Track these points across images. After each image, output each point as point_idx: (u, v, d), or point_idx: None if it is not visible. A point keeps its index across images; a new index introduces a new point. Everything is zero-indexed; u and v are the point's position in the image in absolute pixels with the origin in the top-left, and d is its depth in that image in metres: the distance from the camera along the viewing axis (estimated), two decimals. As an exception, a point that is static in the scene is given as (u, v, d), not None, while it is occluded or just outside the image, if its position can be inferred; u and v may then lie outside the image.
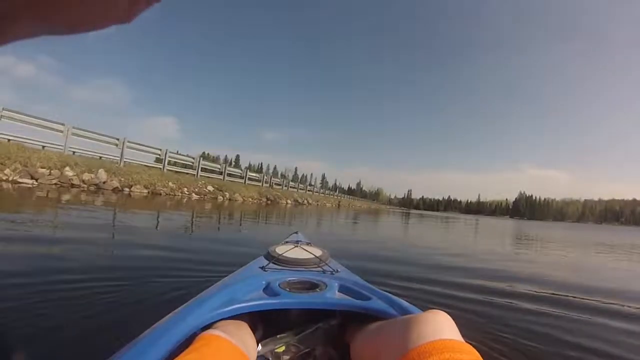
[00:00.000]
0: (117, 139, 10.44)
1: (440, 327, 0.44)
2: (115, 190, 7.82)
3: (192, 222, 4.30)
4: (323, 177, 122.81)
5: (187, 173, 12.43)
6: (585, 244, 8.32)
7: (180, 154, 12.86)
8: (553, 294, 2.12)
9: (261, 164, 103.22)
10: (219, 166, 13.47)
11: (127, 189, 8.26)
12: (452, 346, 0.41)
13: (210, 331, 0.50)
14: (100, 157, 10.70)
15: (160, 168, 11.58)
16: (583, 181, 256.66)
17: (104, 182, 7.78)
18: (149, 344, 0.48)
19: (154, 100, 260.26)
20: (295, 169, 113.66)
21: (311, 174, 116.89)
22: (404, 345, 0.43)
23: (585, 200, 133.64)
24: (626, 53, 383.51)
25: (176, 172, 12.41)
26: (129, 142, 10.58)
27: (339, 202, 22.74)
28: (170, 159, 12.19)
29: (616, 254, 6.12)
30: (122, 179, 8.40)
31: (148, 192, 8.71)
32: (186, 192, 10.01)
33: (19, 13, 0.11)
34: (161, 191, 9.10)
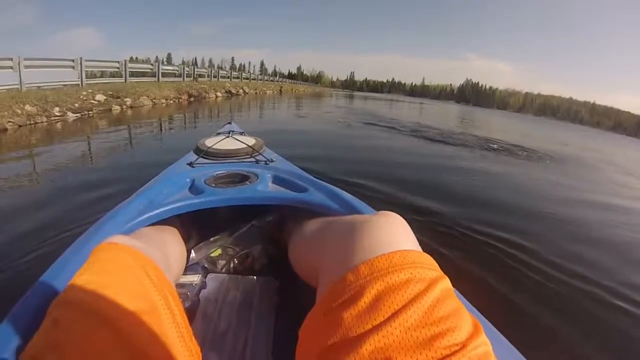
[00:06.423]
0: None
1: (395, 234, 0.35)
2: None
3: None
4: (262, 64, 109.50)
5: (67, 84, 8.66)
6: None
7: (48, 59, 8.69)
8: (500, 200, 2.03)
9: (195, 58, 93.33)
10: (116, 64, 9.49)
11: None
12: (412, 259, 0.31)
13: (110, 239, 0.41)
14: None
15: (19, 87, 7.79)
16: (524, 75, 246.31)
17: None
18: (59, 269, 0.43)
19: (65, 13, 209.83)
20: (232, 59, 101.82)
21: (249, 62, 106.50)
22: (352, 255, 0.33)
23: (526, 92, 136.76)
24: None
25: (53, 88, 8.62)
26: None
27: (281, 87, 20.07)
28: (32, 67, 8.19)
29: None
30: None
31: (-19, 131, 5.54)
32: (57, 114, 6.77)
33: None
34: (8, 124, 5.90)
